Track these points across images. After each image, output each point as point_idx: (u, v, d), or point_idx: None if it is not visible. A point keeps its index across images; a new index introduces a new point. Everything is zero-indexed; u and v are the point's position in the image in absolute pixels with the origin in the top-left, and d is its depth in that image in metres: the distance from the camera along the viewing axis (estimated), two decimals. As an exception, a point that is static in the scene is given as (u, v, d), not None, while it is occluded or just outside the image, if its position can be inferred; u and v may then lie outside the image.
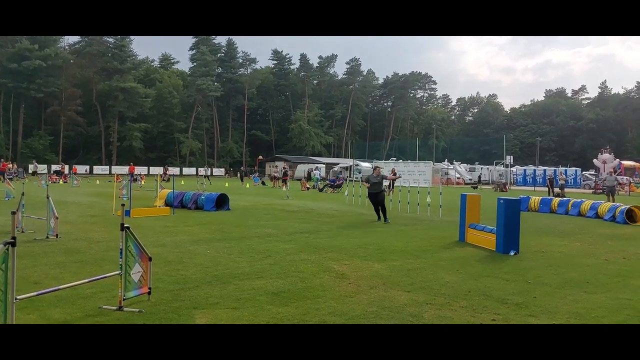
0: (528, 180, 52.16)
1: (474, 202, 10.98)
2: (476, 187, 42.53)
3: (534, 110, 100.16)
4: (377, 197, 14.34)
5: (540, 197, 20.41)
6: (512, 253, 9.15)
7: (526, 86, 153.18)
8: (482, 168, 58.32)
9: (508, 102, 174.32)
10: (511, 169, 52.70)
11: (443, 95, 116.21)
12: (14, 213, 4.44)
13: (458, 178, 54.31)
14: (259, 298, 5.80)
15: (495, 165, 56.80)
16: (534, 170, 53.95)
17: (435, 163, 54.10)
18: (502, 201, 9.53)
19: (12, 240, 3.96)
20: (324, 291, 6.21)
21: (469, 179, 56.60)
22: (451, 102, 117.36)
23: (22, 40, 60.28)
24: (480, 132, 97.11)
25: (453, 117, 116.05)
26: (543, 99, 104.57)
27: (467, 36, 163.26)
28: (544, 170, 51.54)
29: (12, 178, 33.32)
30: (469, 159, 72.76)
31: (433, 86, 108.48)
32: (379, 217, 14.30)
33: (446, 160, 61.61)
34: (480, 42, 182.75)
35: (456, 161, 62.96)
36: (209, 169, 45.13)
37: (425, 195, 17.37)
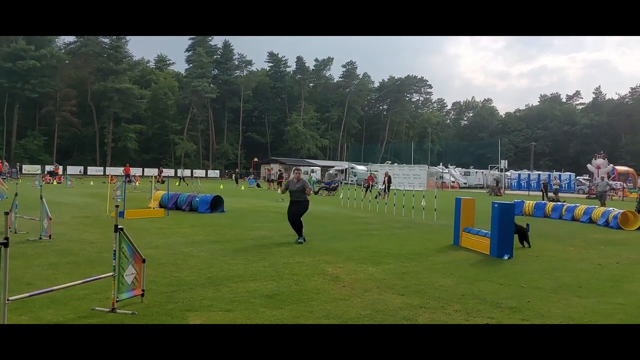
0: (522, 184, 52.39)
1: (468, 206, 11.00)
2: (492, 194, 40.78)
3: (528, 115, 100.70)
4: (297, 207, 10.60)
5: (535, 202, 20.49)
6: (506, 257, 9.18)
7: (521, 91, 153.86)
8: (501, 173, 57.12)
9: (503, 107, 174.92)
10: (506, 173, 52.89)
11: (438, 99, 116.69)
12: (7, 213, 4.44)
13: (453, 182, 54.49)
14: (253, 300, 5.79)
15: (490, 169, 57.02)
16: (528, 174, 54.20)
17: (430, 167, 54.24)
18: (496, 205, 9.57)
19: (5, 241, 3.95)
20: (318, 294, 6.20)
21: (464, 183, 56.78)
22: (446, 106, 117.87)
23: (18, 40, 60.05)
24: (475, 137, 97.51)
25: (448, 121, 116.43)
26: (538, 104, 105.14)
27: (463, 41, 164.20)
28: (538, 175, 51.78)
29: (5, 178, 33.13)
30: (463, 163, 72.97)
31: (429, 90, 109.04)
32: (301, 236, 10.50)
33: (441, 164, 61.75)
34: (475, 47, 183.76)
35: (451, 165, 63.15)
36: (183, 170, 45.74)
37: (420, 199, 17.41)
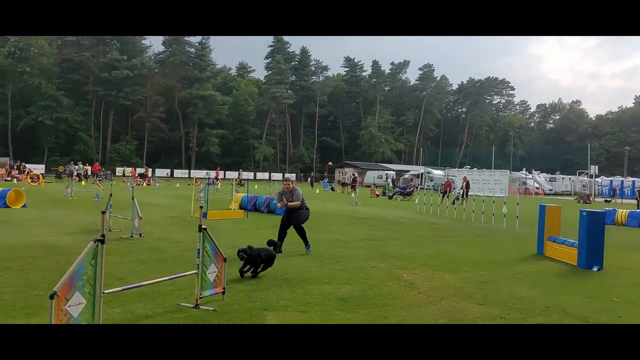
0: (615, 192, 48.77)
1: (553, 214, 10.44)
2: (580, 202, 37.15)
3: (622, 117, 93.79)
4: (297, 217, 9.61)
5: (628, 210, 19.01)
6: (595, 269, 8.61)
7: (614, 92, 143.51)
8: (591, 179, 52.50)
9: (593, 109, 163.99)
10: (596, 179, 49.51)
11: (521, 101, 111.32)
12: (103, 212, 4.78)
13: (537, 188, 51.80)
14: (328, 303, 5.85)
15: (579, 175, 53.62)
16: (622, 181, 50.31)
17: (512, 172, 51.92)
18: (584, 213, 9.01)
19: (102, 238, 4.21)
20: (393, 299, 6.15)
21: (549, 190, 53.83)
22: (530, 108, 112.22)
23: (113, 51, 64.88)
24: (562, 141, 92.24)
25: (532, 124, 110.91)
26: (633, 105, 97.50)
27: (548, 41, 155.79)
28: (633, 182, 47.97)
29: (100, 180, 35.80)
30: (549, 168, 69.18)
31: (510, 92, 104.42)
32: (280, 247, 9.00)
33: (524, 169, 58.96)
34: (562, 47, 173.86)
35: (535, 170, 60.06)
36: (241, 172, 47.30)
37: (501, 206, 16.72)
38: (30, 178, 30.77)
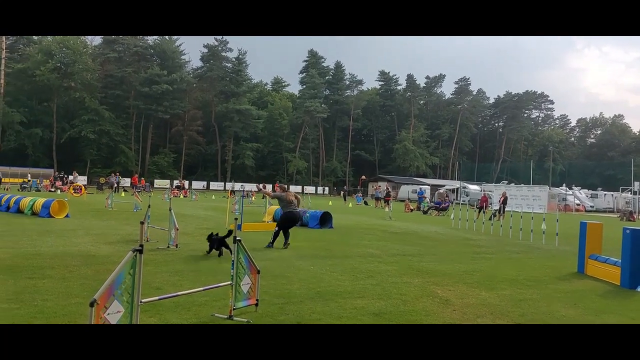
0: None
1: (595, 232, 10.10)
2: (623, 219, 35.39)
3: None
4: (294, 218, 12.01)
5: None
6: (639, 289, 8.26)
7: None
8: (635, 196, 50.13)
9: (637, 124, 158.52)
10: (640, 196, 47.61)
11: (561, 115, 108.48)
12: (142, 223, 4.90)
13: (578, 205, 50.21)
14: (361, 318, 5.80)
15: (622, 191, 51.68)
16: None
17: (551, 188, 50.53)
18: (628, 231, 8.68)
19: (140, 248, 4.32)
20: (427, 316, 6.05)
21: (591, 206, 52.11)
22: (570, 123, 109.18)
23: (153, 66, 66.96)
24: (604, 156, 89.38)
25: (572, 139, 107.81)
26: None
27: (588, 54, 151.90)
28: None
29: (139, 191, 36.72)
30: (590, 184, 67.05)
31: (550, 106, 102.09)
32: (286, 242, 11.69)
33: (564, 185, 57.35)
34: (603, 60, 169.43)
35: (576, 186, 58.29)
36: (234, 183, 47.29)
37: (540, 222, 16.27)
38: (73, 189, 31.85)
